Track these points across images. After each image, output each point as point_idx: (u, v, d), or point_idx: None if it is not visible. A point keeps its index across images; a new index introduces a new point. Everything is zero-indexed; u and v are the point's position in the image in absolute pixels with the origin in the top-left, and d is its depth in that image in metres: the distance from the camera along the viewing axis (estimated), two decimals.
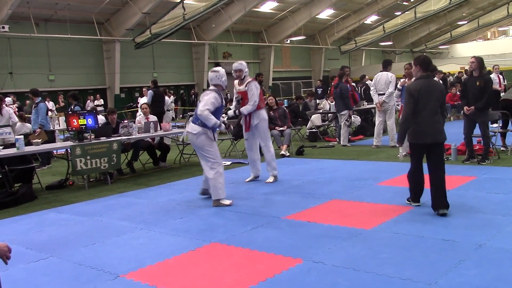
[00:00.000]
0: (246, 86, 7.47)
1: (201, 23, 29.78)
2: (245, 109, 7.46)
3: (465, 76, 11.47)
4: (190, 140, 6.56)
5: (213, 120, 6.23)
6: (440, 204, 5.18)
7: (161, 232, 5.30)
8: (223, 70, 6.75)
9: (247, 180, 7.87)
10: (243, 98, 7.59)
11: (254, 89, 7.45)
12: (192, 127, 6.39)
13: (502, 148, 8.97)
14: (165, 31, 24.15)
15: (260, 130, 7.63)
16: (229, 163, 9.86)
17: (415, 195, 5.63)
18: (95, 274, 4.17)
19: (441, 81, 16.91)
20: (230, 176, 8.44)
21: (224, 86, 6.66)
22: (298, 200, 6.37)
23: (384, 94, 10.50)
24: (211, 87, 6.55)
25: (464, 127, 8.09)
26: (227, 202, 6.31)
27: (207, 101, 6.30)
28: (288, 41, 35.85)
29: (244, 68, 7.56)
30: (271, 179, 7.66)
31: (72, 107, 11.00)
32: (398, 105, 11.12)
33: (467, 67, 14.48)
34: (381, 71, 10.62)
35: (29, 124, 11.43)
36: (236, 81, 7.68)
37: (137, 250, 4.75)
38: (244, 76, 7.58)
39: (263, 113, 7.66)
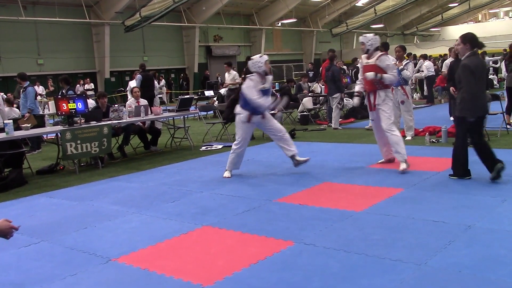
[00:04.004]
0: (377, 59, 6.74)
1: (191, 5, 29.47)
2: (387, 78, 6.67)
3: (450, 58, 11.46)
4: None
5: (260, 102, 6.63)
6: (495, 162, 5.56)
7: (153, 216, 5.30)
8: (258, 56, 6.85)
9: (379, 162, 7.23)
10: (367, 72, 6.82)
11: (389, 61, 6.81)
12: (237, 109, 6.88)
13: (508, 127, 9.11)
14: (155, 14, 23.91)
15: (383, 110, 6.81)
16: (220, 146, 9.85)
17: (465, 169, 5.82)
18: (86, 258, 4.17)
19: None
20: (221, 160, 8.45)
21: (261, 71, 6.74)
22: (289, 183, 6.39)
23: None
24: (251, 75, 6.82)
25: (452, 110, 8.10)
26: (227, 174, 7.01)
27: (246, 90, 6.68)
28: (279, 24, 35.63)
29: (367, 41, 6.79)
30: (404, 166, 6.57)
31: (63, 91, 10.88)
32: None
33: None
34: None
35: (17, 109, 11.32)
36: (363, 56, 6.99)
37: (129, 234, 4.75)
38: (368, 50, 6.81)
39: (389, 92, 6.92)
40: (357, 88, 7.24)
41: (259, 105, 6.63)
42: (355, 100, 7.35)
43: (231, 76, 14.54)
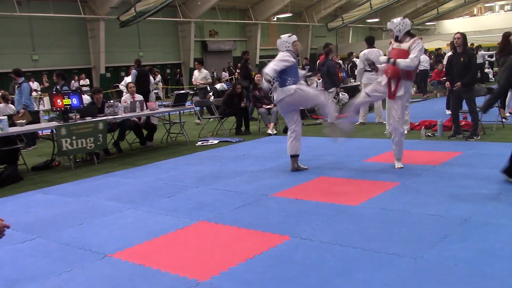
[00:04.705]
0: (413, 43, 6.10)
1: (186, 0, 29.37)
2: (401, 63, 6.02)
3: (447, 52, 11.48)
4: (287, 101, 6.45)
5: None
6: None
7: (149, 212, 5.29)
8: (287, 36, 6.55)
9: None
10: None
11: (418, 47, 6.08)
12: (286, 89, 6.35)
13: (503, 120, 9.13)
14: (150, 9, 23.78)
15: (402, 103, 6.33)
16: (216, 141, 9.83)
17: None
18: (82, 254, 4.16)
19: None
20: (217, 155, 8.45)
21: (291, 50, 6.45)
22: (285, 178, 6.38)
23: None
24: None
25: (450, 104, 8.11)
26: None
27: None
28: (275, 19, 35.55)
29: (394, 26, 6.22)
30: (399, 165, 6.44)
31: (58, 86, 10.83)
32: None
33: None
34: (368, 48, 10.59)
35: (12, 106, 11.27)
36: (393, 40, 6.45)
37: (125, 230, 4.74)
38: (397, 36, 6.23)
39: (411, 85, 6.53)
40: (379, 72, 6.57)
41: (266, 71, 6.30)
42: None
43: (202, 74, 13.89)
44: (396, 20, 6.29)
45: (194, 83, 14.04)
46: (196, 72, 14.04)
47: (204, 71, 14.04)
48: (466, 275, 3.23)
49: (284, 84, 6.37)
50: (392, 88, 6.24)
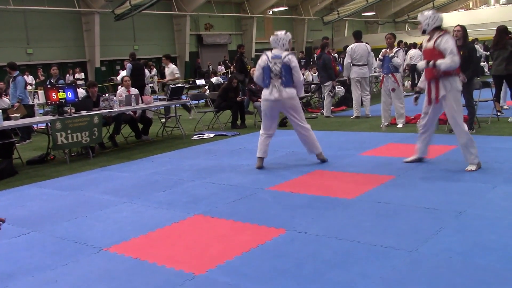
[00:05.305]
0: (439, 39, 5.54)
1: None
2: (441, 64, 5.46)
3: None
4: (285, 103, 6.40)
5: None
6: None
7: (144, 205, 5.29)
8: (283, 33, 6.43)
9: (407, 160, 6.36)
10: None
11: (449, 43, 5.49)
12: (291, 92, 6.34)
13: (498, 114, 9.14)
14: (145, 2, 23.68)
15: (450, 103, 5.65)
16: (212, 135, 9.82)
17: None
18: (78, 248, 4.16)
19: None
20: (213, 148, 8.44)
21: (284, 49, 6.37)
22: (281, 171, 6.38)
23: (362, 65, 10.51)
24: (289, 52, 6.43)
25: None
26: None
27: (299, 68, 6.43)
28: (271, 12, 35.45)
29: (424, 19, 5.66)
30: (472, 167, 5.68)
31: (52, 80, 10.78)
32: (379, 75, 11.15)
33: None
34: (355, 42, 10.60)
35: (7, 99, 11.21)
36: (425, 38, 5.96)
37: (120, 224, 4.73)
38: (425, 30, 5.69)
39: (457, 81, 5.68)
40: (421, 82, 6.07)
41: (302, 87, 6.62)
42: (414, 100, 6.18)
43: (169, 70, 13.26)
44: (427, 13, 5.71)
45: (163, 80, 12.93)
46: (166, 68, 13.44)
47: (172, 66, 13.35)
48: (461, 267, 3.25)
49: (288, 85, 6.34)
50: (433, 92, 5.72)
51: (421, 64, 5.70)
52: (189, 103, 12.13)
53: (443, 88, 5.61)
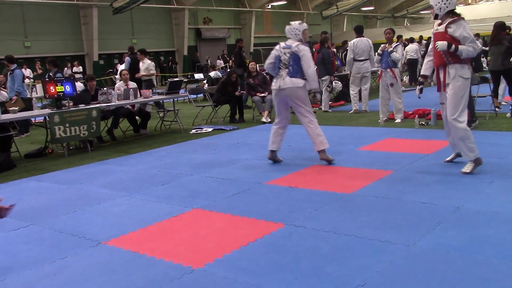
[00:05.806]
0: (453, 24, 5.26)
1: None
2: (464, 51, 5.20)
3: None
4: (290, 93, 6.26)
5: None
6: None
7: (143, 199, 5.29)
8: (297, 23, 6.33)
9: (447, 159, 5.95)
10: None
11: (465, 30, 5.24)
12: (296, 81, 6.19)
13: (496, 109, 9.13)
14: None
15: (454, 91, 5.34)
16: (210, 129, 9.82)
17: None
18: (76, 241, 4.16)
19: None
20: (211, 142, 8.44)
21: (297, 39, 6.24)
22: (279, 166, 6.39)
23: (363, 60, 10.50)
24: (302, 43, 6.25)
25: None
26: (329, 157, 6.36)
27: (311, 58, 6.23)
28: (269, 6, 35.37)
29: (436, 3, 5.37)
30: (467, 169, 5.40)
31: (50, 74, 10.75)
32: (377, 70, 11.14)
33: None
34: (357, 37, 10.59)
35: (5, 92, 11.19)
36: (436, 22, 5.57)
37: (119, 217, 4.74)
38: (437, 15, 5.39)
39: (466, 68, 5.38)
40: (423, 70, 5.83)
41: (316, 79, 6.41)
42: (417, 91, 5.97)
43: (144, 65, 12.66)
44: None
45: (137, 76, 12.31)
46: (140, 64, 12.77)
47: (147, 62, 12.80)
48: (458, 262, 3.26)
49: (295, 75, 6.22)
50: (441, 78, 5.43)
51: (442, 44, 5.21)
52: (187, 97, 12.04)
53: (448, 76, 5.35)
